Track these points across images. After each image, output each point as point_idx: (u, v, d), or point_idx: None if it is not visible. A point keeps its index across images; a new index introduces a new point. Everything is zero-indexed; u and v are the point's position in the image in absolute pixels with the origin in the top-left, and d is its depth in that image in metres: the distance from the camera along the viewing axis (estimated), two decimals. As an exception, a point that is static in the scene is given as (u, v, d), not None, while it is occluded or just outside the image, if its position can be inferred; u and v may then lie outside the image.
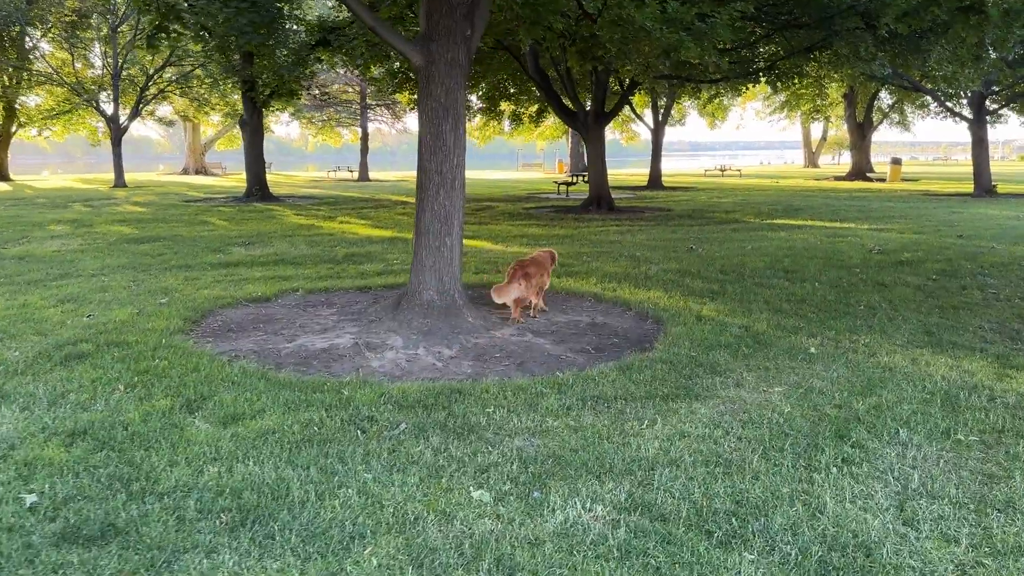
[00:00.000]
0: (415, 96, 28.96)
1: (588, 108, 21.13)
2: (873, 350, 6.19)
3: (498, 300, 6.89)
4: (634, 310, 7.63)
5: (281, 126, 58.95)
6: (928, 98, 42.26)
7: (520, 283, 6.89)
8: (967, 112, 27.90)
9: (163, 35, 10.40)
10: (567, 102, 21.63)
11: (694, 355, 5.90)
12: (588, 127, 20.92)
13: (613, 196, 27.91)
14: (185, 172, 55.26)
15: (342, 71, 34.90)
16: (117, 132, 34.35)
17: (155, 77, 34.04)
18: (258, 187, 24.88)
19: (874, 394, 5.04)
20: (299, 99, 28.08)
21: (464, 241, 13.86)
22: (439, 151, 6.45)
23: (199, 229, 15.51)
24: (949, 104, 27.76)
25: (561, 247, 12.63)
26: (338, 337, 6.38)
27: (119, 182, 34.72)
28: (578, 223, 17.31)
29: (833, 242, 13.16)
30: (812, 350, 6.14)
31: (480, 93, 32.15)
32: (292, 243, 13.20)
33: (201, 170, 55.00)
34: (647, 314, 7.40)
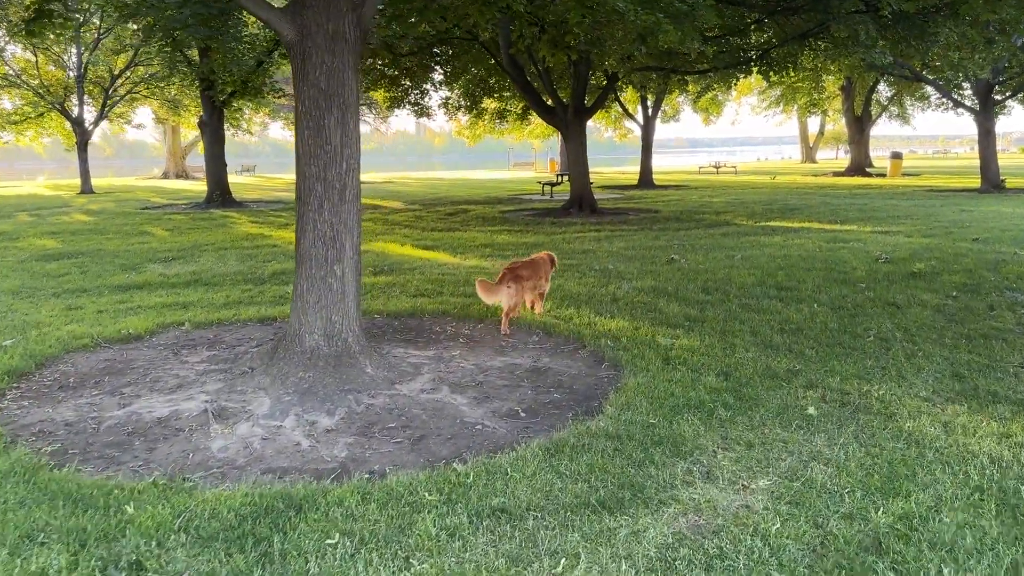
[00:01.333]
0: (391, 94, 27.54)
1: (567, 103, 19.60)
2: (891, 408, 4.70)
3: (485, 299, 6.59)
4: (589, 348, 6.12)
5: (275, 127, 56.43)
6: (928, 89, 40.82)
7: (510, 286, 6.47)
8: (970, 103, 26.43)
9: (46, 20, 8.90)
10: (547, 99, 20.14)
11: (653, 423, 4.40)
12: (568, 123, 19.41)
13: (600, 196, 26.41)
14: (166, 176, 53.69)
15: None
16: (82, 136, 32.82)
17: (121, 78, 32.50)
18: (219, 192, 23.36)
19: (899, 493, 3.53)
20: (265, 98, 26.53)
21: (419, 253, 12.39)
22: (322, 152, 4.95)
23: (131, 242, 13.99)
24: (953, 95, 26.28)
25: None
26: (190, 399, 4.87)
27: (86, 188, 33.21)
28: (555, 228, 15.82)
29: (834, 249, 11.66)
30: (811, 410, 4.64)
31: (461, 90, 30.76)
32: (221, 257, 11.69)
33: (182, 174, 53.43)
34: (604, 355, 5.89)
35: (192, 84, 24.20)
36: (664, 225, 15.98)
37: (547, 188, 27.60)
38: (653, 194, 27.07)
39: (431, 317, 7.26)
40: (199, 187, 36.63)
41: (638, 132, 36.38)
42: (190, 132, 54.24)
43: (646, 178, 33.10)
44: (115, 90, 34.02)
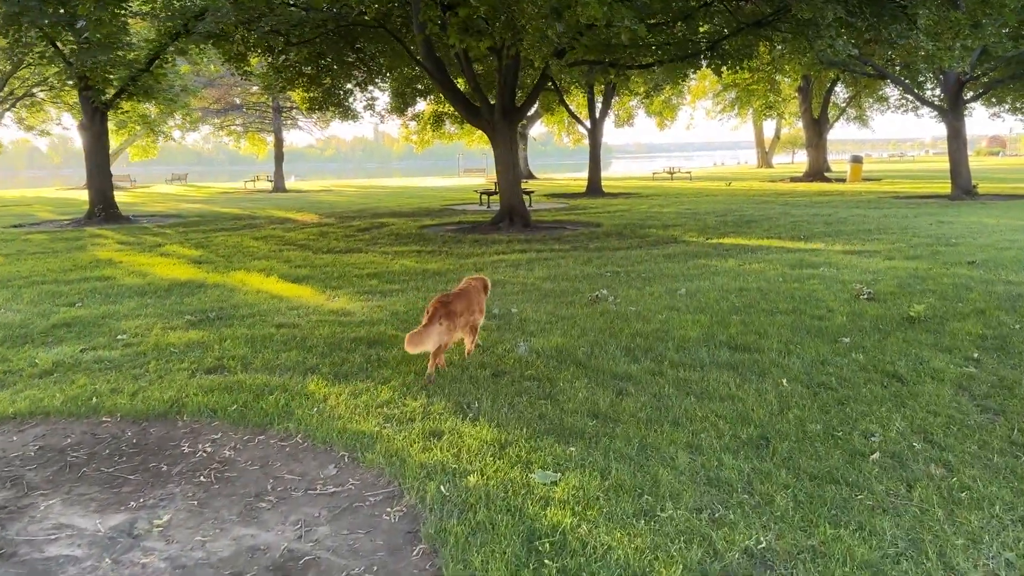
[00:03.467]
0: (311, 94, 24.92)
1: (494, 103, 17.09)
2: None
3: (414, 350, 5.34)
4: (409, 498, 3.58)
5: (195, 134, 52.12)
6: (888, 90, 39.27)
7: (442, 323, 5.43)
8: (938, 102, 24.60)
9: None
10: (475, 99, 17.62)
11: None
12: (495, 125, 16.90)
13: (541, 207, 23.97)
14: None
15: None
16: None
17: (12, 79, 29.26)
18: (102, 206, 20.40)
19: None
20: (160, 98, 23.57)
21: (279, 288, 9.72)
22: None
23: (-68, 274, 11.13)
24: (919, 92, 24.43)
25: (415, 297, 8.61)
26: None
27: (-24, 201, 29.94)
28: (473, 248, 13.30)
29: (801, 278, 9.31)
30: None
31: (390, 91, 28.19)
32: (15, 296, 8.93)
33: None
34: (425, 521, 3.35)
35: (64, 82, 21.04)
36: (601, 243, 13.55)
37: (484, 197, 25.12)
38: (600, 203, 24.71)
39: (192, 420, 4.63)
40: (125, 199, 33.35)
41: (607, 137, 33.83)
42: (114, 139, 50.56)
43: (595, 185, 30.78)
44: (11, 92, 30.94)
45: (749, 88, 38.48)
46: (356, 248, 13.77)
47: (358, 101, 27.68)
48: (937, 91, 28.54)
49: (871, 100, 42.04)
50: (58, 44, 18.61)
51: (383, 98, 27.66)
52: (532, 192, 25.84)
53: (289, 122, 46.78)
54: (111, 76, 19.23)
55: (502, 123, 16.82)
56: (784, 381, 5.25)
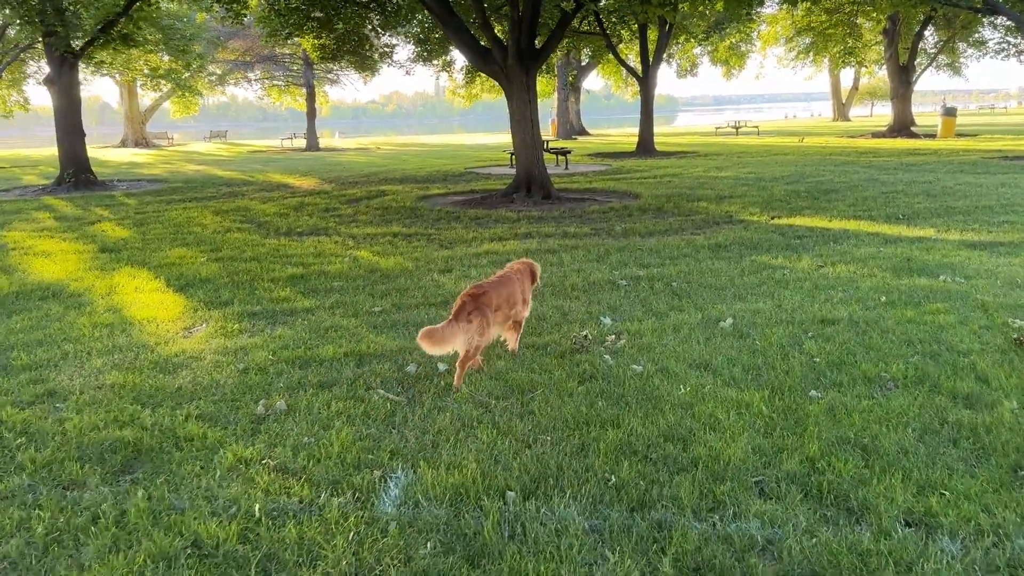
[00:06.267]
0: (322, 42, 22.23)
1: (508, 45, 13.84)
2: None
3: (432, 350, 4.26)
4: None
5: (246, 90, 49.65)
6: (986, 32, 34.39)
7: (471, 321, 4.32)
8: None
9: None
10: (483, 39, 14.41)
11: None
12: (508, 73, 13.69)
13: (579, 169, 20.71)
14: (124, 144, 48.23)
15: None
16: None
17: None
18: (72, 170, 17.91)
19: None
20: (136, 47, 20.88)
21: (150, 297, 6.38)
22: None
23: None
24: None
25: (312, 329, 5.71)
26: None
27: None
28: (466, 230, 10.32)
29: (915, 300, 6.03)
30: None
31: (412, 38, 25.07)
32: None
33: (141, 142, 47.95)
34: None
35: (29, 29, 18.42)
36: (632, 225, 10.36)
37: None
38: (647, 165, 21.24)
39: None
40: (138, 159, 31.28)
41: (666, 89, 29.65)
42: (148, 94, 48.54)
43: (646, 143, 27.21)
44: (16, 44, 28.85)
45: (826, 32, 33.98)
46: (321, 229, 10.92)
47: (376, 50, 24.65)
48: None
49: (966, 44, 37.05)
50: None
51: (407, 47, 24.54)
52: (570, 152, 22.51)
53: (329, 76, 43.84)
54: (82, 20, 16.69)
55: (517, 70, 13.60)
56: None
